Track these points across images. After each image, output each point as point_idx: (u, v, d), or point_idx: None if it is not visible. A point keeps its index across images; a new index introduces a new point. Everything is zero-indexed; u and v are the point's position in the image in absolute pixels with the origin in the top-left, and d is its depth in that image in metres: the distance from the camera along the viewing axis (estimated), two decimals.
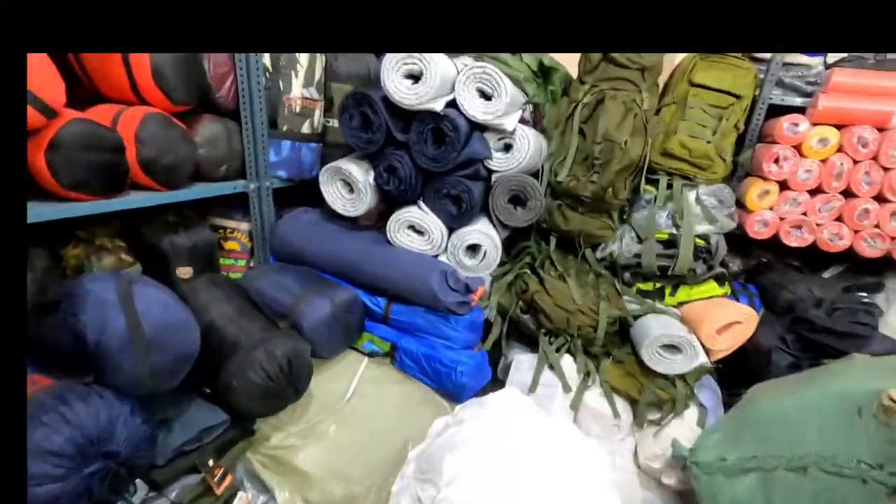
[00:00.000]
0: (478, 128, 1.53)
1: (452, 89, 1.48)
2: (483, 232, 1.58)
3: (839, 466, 1.09)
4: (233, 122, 1.59)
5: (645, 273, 1.80)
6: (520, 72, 1.79)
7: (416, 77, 1.41)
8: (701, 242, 1.75)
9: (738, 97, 1.76)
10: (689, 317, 1.74)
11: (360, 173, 1.57)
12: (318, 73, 1.69)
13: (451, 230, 1.61)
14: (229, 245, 1.72)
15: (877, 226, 1.75)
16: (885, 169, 1.70)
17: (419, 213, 1.56)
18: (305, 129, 1.70)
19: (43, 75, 1.03)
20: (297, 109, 1.66)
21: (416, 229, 1.60)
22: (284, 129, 1.67)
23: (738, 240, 1.90)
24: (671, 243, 1.76)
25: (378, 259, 1.56)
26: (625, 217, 1.81)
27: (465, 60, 1.60)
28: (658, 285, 1.83)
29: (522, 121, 1.67)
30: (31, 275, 1.19)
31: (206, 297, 1.29)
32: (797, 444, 1.17)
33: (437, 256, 1.63)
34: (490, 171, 1.61)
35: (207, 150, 1.49)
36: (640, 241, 1.77)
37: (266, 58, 1.58)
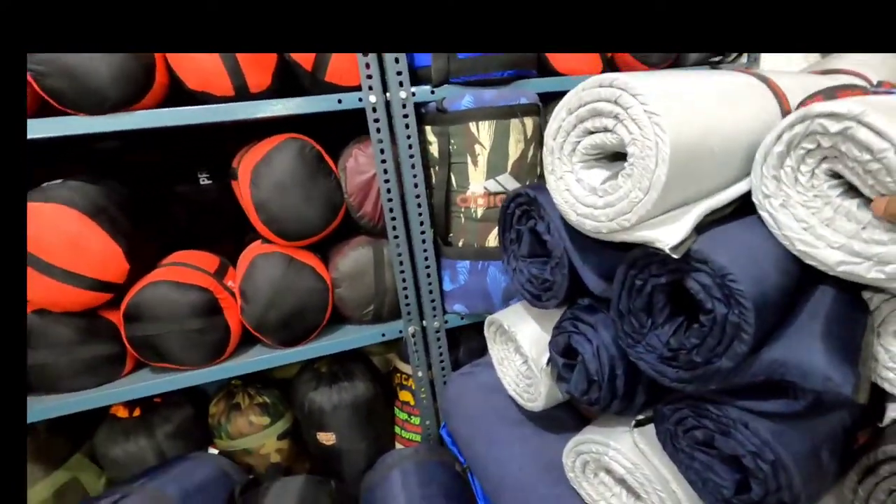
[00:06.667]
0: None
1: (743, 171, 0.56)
2: None
3: None
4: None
5: None
6: None
7: (613, 158, 0.59)
8: None
9: None
10: None
11: (534, 341, 0.83)
12: (518, 147, 1.03)
13: None
14: (403, 396, 1.28)
15: None
16: None
17: (631, 454, 0.68)
18: (492, 240, 1.07)
19: (91, 251, 0.91)
20: (479, 214, 1.06)
21: (621, 481, 0.71)
22: (461, 244, 1.10)
23: None
24: None
25: None
26: None
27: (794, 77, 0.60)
28: None
29: None
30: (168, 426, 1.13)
31: None
32: None
33: None
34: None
35: (347, 289, 1.10)
36: None
37: (434, 145, 1.06)
